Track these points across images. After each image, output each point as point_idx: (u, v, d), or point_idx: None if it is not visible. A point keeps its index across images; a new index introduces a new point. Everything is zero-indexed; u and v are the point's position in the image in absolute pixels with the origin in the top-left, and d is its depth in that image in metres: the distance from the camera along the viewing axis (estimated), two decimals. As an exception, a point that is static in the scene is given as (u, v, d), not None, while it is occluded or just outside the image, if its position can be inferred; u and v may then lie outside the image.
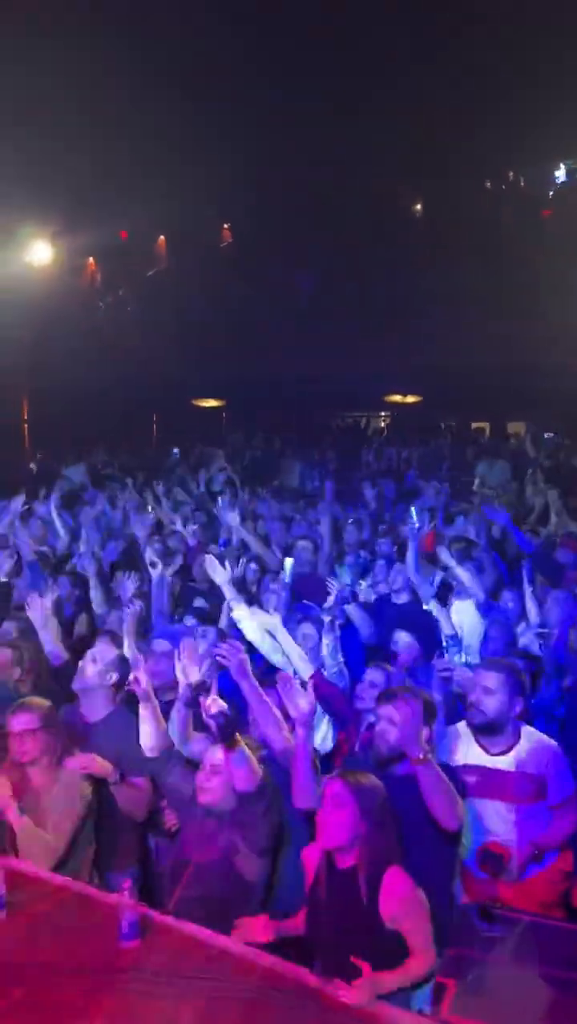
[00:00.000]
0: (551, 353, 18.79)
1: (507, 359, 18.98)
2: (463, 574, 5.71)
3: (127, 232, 22.31)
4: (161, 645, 4.37)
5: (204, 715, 3.12)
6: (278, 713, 3.48)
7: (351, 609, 5.30)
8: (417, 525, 6.23)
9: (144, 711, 3.42)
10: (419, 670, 4.73)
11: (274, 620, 4.51)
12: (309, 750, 3.26)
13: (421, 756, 3.06)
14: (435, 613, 4.95)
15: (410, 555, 6.03)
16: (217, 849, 3.14)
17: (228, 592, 5.07)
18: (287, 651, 4.44)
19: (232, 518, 7.60)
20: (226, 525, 7.86)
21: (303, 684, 3.41)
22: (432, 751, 3.25)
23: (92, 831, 3.53)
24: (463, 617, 5.52)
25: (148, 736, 3.42)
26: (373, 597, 6.44)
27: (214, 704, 3.10)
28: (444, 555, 5.94)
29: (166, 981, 2.54)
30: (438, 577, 6.26)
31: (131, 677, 3.45)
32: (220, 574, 5.04)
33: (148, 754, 3.43)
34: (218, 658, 3.55)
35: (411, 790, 3.11)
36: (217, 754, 3.19)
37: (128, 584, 5.64)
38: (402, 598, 6.09)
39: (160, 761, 3.41)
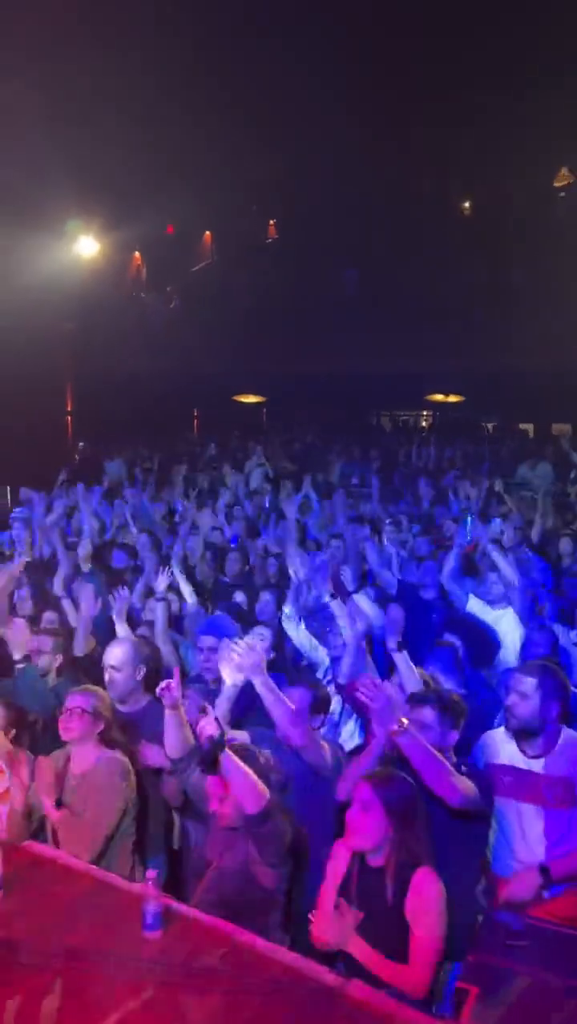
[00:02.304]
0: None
1: (552, 359, 18.70)
2: (509, 574, 5.63)
3: (173, 227, 22.45)
4: (207, 641, 4.45)
5: (199, 737, 3.12)
6: (294, 708, 3.50)
7: (360, 598, 5.31)
8: (469, 538, 6.16)
9: (170, 718, 3.44)
10: (467, 674, 4.69)
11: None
12: (381, 751, 3.26)
13: (396, 728, 3.05)
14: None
15: (451, 562, 6.00)
16: (237, 855, 3.13)
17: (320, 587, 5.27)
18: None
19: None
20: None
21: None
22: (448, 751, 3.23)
23: (132, 824, 3.54)
24: (503, 625, 5.47)
25: (172, 741, 3.45)
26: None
27: (208, 726, 3.08)
28: (494, 554, 5.86)
29: (186, 973, 2.56)
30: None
31: (161, 685, 3.46)
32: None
33: (171, 755, 3.47)
34: (233, 656, 3.56)
35: None
36: (218, 784, 3.17)
37: (160, 578, 5.69)
38: (429, 594, 6.06)
39: (183, 761, 3.44)
